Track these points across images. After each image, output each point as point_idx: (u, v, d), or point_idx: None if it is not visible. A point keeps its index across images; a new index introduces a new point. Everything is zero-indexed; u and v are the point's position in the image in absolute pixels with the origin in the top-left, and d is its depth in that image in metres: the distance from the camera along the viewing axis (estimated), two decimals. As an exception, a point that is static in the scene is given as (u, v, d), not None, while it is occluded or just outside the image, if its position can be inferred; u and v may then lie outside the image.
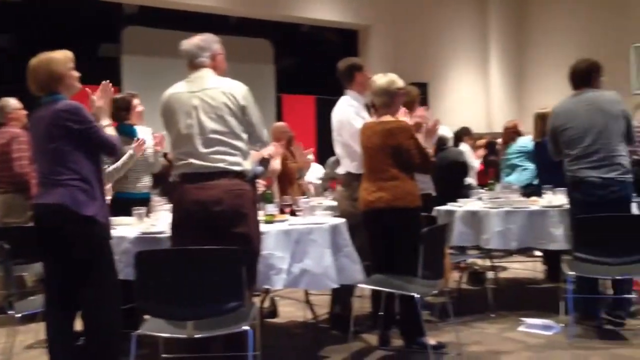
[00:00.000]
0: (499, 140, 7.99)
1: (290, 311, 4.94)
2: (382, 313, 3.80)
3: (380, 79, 3.86)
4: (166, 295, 2.75)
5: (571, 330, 3.93)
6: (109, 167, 4.03)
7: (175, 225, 3.11)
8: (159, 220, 3.62)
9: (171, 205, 3.24)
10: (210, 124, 3.06)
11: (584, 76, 4.26)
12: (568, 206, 4.42)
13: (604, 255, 3.86)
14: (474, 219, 4.67)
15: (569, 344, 3.86)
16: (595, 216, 4.21)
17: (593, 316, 4.22)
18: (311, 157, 6.36)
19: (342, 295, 4.08)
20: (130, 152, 4.11)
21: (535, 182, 6.25)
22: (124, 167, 4.13)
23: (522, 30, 13.41)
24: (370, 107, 4.10)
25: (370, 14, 11.13)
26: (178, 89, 3.18)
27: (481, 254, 5.14)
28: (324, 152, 7.39)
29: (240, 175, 3.06)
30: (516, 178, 6.35)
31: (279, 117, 10.05)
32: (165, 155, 4.97)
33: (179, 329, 2.80)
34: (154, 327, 2.84)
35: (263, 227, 3.38)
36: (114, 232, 3.38)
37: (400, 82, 3.86)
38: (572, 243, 4.02)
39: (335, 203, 4.75)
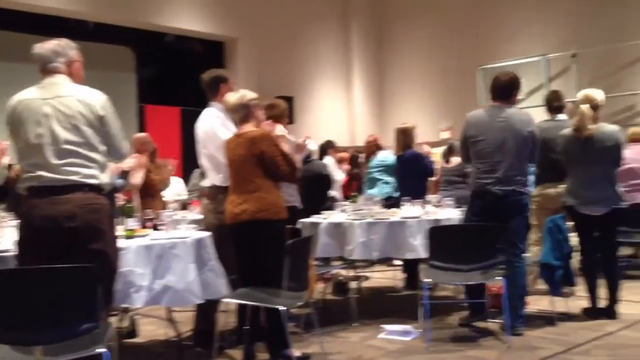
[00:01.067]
0: (362, 154, 8.29)
1: (151, 330, 4.74)
2: (248, 327, 3.76)
3: (232, 97, 3.89)
4: (11, 319, 2.53)
5: (427, 334, 4.13)
6: None
7: (22, 243, 2.88)
8: (4, 237, 3.34)
9: (18, 221, 2.99)
10: (64, 134, 2.88)
11: (505, 90, 4.40)
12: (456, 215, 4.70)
13: (457, 262, 4.11)
14: (338, 230, 4.78)
15: (425, 348, 4.05)
16: (448, 225, 4.48)
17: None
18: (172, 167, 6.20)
19: (207, 310, 3.98)
20: None
21: (396, 194, 6.55)
22: None
23: (381, 50, 14.08)
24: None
25: (237, 26, 11.12)
26: (28, 95, 2.95)
27: (345, 264, 5.27)
28: (190, 164, 7.23)
29: (96, 188, 2.90)
30: (377, 190, 6.61)
31: (142, 129, 9.69)
32: (10, 166, 4.60)
33: (26, 355, 2.59)
34: (-3, 355, 2.60)
35: (122, 243, 3.23)
36: (-50, 252, 3.06)
37: (251, 94, 3.89)
38: (428, 252, 4.24)
39: (200, 216, 4.65)
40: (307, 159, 6.14)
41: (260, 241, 3.71)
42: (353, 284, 5.71)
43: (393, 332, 4.41)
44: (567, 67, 11.63)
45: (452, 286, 5.58)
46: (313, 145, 6.58)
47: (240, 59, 11.30)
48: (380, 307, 5.43)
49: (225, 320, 4.21)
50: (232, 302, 3.76)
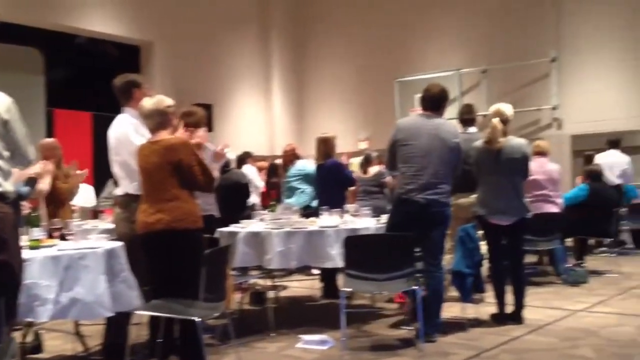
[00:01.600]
0: (279, 161, 8.29)
1: (57, 345, 4.51)
2: (161, 340, 3.65)
3: (148, 102, 3.79)
4: None
5: (344, 343, 4.16)
6: None
7: None
8: None
9: None
10: (-36, 139, 2.70)
11: (435, 101, 4.48)
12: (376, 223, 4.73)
13: (373, 271, 4.16)
14: (257, 240, 4.74)
15: (341, 356, 4.08)
16: (363, 235, 4.53)
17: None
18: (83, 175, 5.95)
19: (117, 323, 3.83)
20: None
21: (314, 203, 6.58)
22: None
23: (301, 60, 14.18)
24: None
25: (153, 30, 10.88)
26: None
27: (263, 274, 5.23)
28: (102, 172, 6.97)
29: (-2, 196, 2.74)
30: (295, 200, 6.62)
31: (50, 134, 9.26)
32: None
33: None
34: None
35: (27, 254, 3.06)
36: None
37: (168, 101, 3.80)
38: (344, 261, 4.27)
39: (112, 226, 4.49)
40: (225, 168, 6.07)
41: (176, 251, 3.61)
42: (271, 294, 5.67)
43: (310, 342, 4.41)
44: (478, 82, 12.15)
45: (369, 294, 5.65)
46: (232, 154, 6.52)
47: (157, 63, 11.05)
48: (298, 316, 5.42)
49: (137, 333, 4.07)
50: (144, 314, 3.64)
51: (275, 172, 8.77)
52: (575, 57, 11.39)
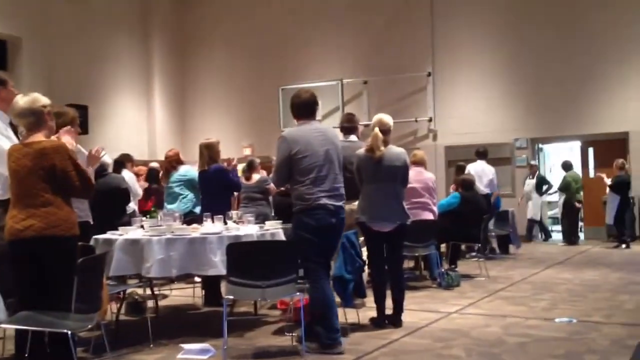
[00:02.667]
0: (155, 164, 8.06)
1: None
2: (27, 354, 3.40)
3: (21, 100, 3.56)
4: None
5: (226, 352, 4.09)
6: None
7: None
8: None
9: None
10: None
11: (309, 107, 4.44)
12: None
13: (255, 278, 4.13)
14: (135, 247, 4.55)
15: (223, 365, 4.02)
16: (246, 242, 4.49)
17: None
18: None
19: (-21, 339, 3.53)
20: None
21: (197, 209, 6.44)
22: None
23: (184, 64, 13.92)
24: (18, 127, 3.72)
25: (21, 24, 10.21)
26: None
27: (141, 282, 5.03)
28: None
29: None
30: (177, 206, 6.45)
31: None
32: None
33: None
34: None
35: None
36: None
37: (44, 100, 3.59)
38: (227, 268, 4.21)
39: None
40: (103, 172, 5.80)
41: (48, 260, 3.39)
42: (150, 303, 5.47)
43: (191, 351, 4.30)
44: (359, 93, 12.54)
45: (252, 301, 5.61)
46: (108, 158, 6.23)
47: (25, 61, 10.37)
48: (179, 326, 5.28)
49: (2, 348, 3.77)
50: (9, 327, 3.37)
51: (154, 178, 8.50)
52: (448, 73, 12.09)
